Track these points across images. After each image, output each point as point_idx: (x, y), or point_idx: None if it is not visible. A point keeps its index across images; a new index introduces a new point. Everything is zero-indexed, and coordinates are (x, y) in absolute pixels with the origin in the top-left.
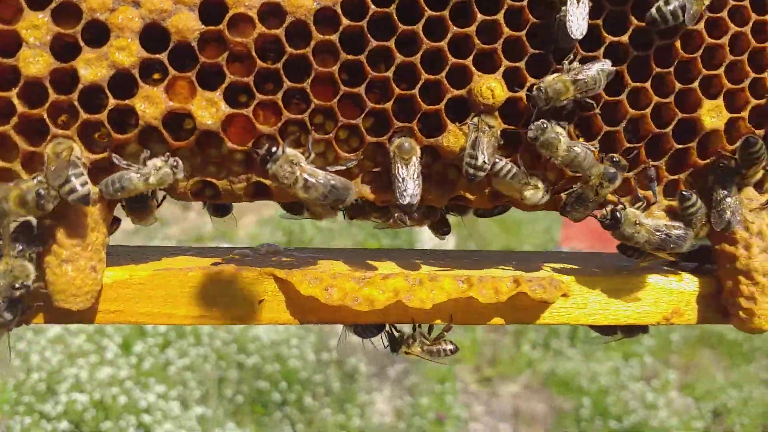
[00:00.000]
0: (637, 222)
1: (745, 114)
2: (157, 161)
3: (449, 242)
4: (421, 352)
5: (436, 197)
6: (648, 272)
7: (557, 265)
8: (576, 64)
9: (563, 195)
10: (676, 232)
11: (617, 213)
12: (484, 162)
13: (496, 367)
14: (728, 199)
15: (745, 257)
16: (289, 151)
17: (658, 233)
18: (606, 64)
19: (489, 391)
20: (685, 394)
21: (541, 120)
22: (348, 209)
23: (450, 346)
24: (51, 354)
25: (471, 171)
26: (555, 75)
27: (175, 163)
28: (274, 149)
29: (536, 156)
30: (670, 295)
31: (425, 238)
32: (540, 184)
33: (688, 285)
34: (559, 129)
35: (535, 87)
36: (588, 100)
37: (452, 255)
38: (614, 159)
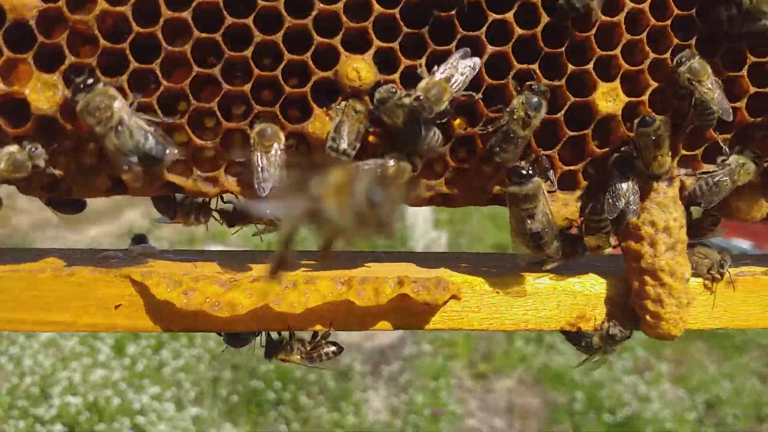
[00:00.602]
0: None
1: (645, 98)
2: (11, 147)
3: (442, 240)
4: (300, 359)
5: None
6: (549, 274)
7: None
8: (448, 64)
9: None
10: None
11: (541, 163)
12: (345, 148)
13: (490, 363)
14: (623, 186)
15: (651, 255)
16: (111, 88)
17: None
18: (471, 61)
19: (483, 386)
20: (678, 386)
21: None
22: (225, 215)
23: (332, 348)
24: (44, 357)
25: (333, 155)
26: (427, 80)
27: (33, 149)
28: (91, 80)
29: None
30: (574, 298)
31: (417, 236)
32: None
33: (593, 287)
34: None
35: (413, 98)
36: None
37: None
38: (533, 86)
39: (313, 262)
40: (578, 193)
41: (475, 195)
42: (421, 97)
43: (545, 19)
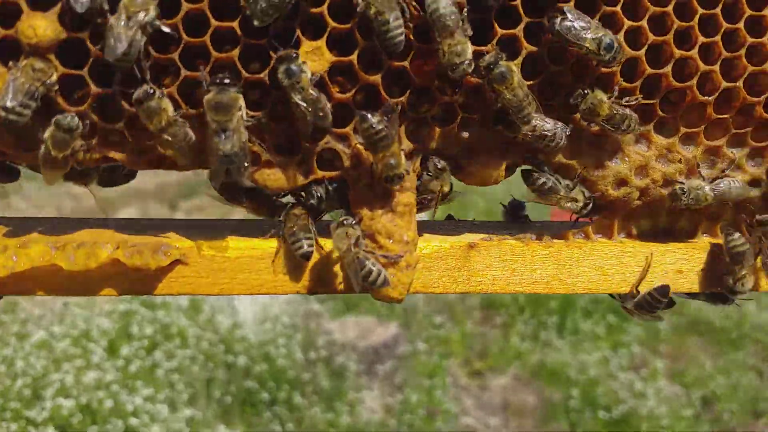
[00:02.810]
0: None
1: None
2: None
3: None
4: None
5: None
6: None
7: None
8: None
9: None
10: None
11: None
12: (8, 105)
13: (486, 360)
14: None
15: (369, 218)
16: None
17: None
18: None
19: (479, 384)
20: (674, 383)
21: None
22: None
23: None
24: (36, 359)
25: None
26: None
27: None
28: (228, 80)
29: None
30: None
31: None
32: None
33: (327, 253)
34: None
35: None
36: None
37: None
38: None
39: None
40: None
41: None
42: None
43: None
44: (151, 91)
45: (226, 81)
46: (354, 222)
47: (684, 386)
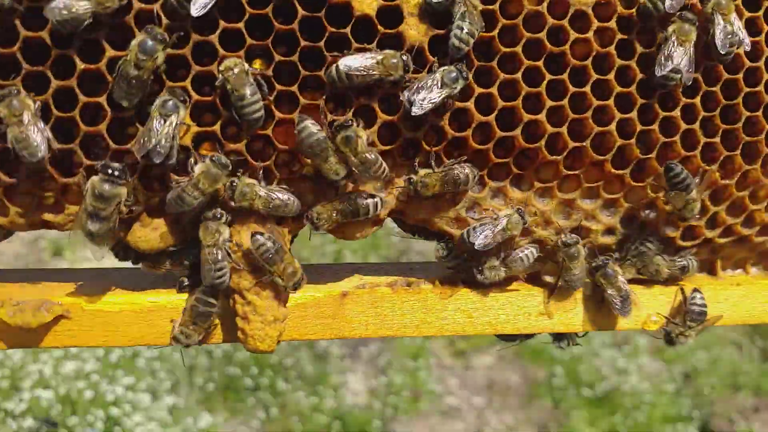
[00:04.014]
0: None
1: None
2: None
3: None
4: None
5: None
6: (163, 291)
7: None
8: None
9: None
10: None
11: None
12: None
13: (470, 340)
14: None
15: (237, 276)
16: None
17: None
18: None
19: (463, 364)
20: (656, 359)
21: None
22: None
23: None
24: (13, 350)
25: None
26: None
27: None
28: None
29: None
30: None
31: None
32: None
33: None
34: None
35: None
36: None
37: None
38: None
39: None
40: None
41: None
42: None
43: None
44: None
45: (116, 174)
46: (227, 219)
47: (665, 362)
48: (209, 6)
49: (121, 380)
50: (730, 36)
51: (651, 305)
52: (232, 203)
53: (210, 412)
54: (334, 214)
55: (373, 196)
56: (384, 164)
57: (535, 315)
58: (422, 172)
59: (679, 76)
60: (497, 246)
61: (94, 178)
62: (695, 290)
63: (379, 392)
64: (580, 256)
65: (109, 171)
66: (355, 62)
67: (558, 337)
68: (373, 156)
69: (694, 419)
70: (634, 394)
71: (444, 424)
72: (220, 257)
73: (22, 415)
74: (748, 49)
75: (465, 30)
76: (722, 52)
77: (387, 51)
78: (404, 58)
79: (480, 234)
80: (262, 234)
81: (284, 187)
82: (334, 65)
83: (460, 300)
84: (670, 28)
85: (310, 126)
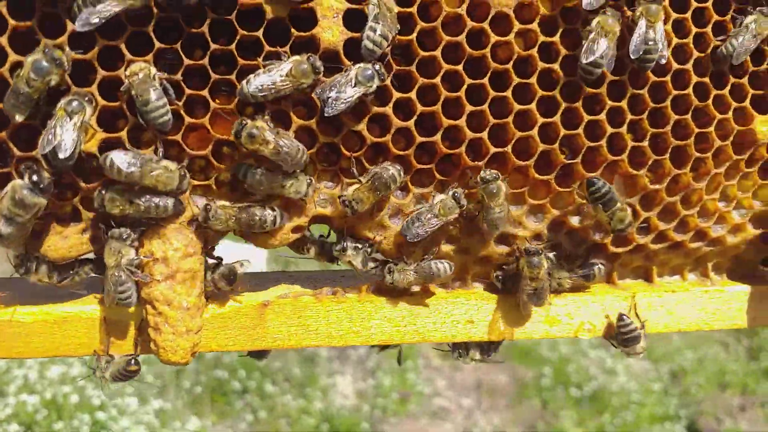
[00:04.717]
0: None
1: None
2: None
3: None
4: None
5: None
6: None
7: None
8: None
9: None
10: None
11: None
12: None
13: None
14: None
15: (147, 285)
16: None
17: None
18: None
19: (451, 365)
20: (643, 358)
21: None
22: None
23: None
24: None
25: None
26: None
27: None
28: None
29: None
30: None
31: None
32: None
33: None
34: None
35: None
36: None
37: None
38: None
39: None
40: None
41: None
42: None
43: None
44: None
45: (41, 185)
46: (132, 239)
47: (653, 361)
48: (95, 24)
49: (108, 384)
50: (649, 43)
51: (584, 313)
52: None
53: (198, 415)
54: (231, 221)
55: (273, 209)
56: (302, 148)
57: (464, 323)
58: (351, 188)
59: (601, 69)
60: (429, 240)
61: (17, 183)
62: (621, 315)
63: (367, 394)
64: (500, 192)
65: (35, 179)
66: (264, 80)
67: (455, 346)
68: (287, 141)
69: (682, 418)
70: (622, 393)
71: (433, 425)
72: (123, 278)
73: (7, 420)
74: (663, 62)
75: (378, 32)
76: (633, 56)
77: (295, 58)
78: (311, 60)
79: (412, 225)
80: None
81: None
82: (244, 84)
83: (387, 309)
84: (594, 21)
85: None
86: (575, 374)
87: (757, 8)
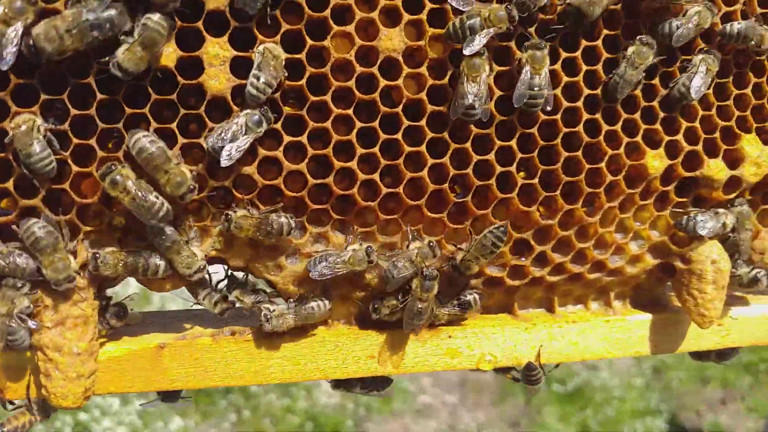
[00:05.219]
0: None
1: None
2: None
3: None
4: None
5: None
6: None
7: None
8: None
9: None
10: None
11: None
12: None
13: None
14: None
15: (37, 332)
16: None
17: None
18: None
19: None
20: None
21: None
22: None
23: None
24: None
25: None
26: None
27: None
28: None
29: None
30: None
31: None
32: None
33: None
34: None
35: None
36: None
37: None
38: None
39: None
40: None
41: None
42: None
43: None
44: None
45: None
46: (27, 288)
47: (635, 357)
48: None
49: None
50: (534, 89)
51: (485, 345)
52: None
53: (181, 415)
54: (120, 266)
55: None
56: (164, 204)
57: (365, 358)
58: (240, 213)
59: (477, 111)
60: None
61: None
62: (529, 364)
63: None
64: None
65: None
66: (146, 142)
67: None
68: (149, 197)
69: (663, 412)
70: (604, 389)
71: (417, 422)
72: (14, 327)
73: None
74: (549, 108)
75: (261, 80)
76: (516, 104)
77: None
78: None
79: (319, 263)
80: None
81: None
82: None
83: (286, 348)
84: (462, 65)
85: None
86: (558, 370)
87: (637, 37)
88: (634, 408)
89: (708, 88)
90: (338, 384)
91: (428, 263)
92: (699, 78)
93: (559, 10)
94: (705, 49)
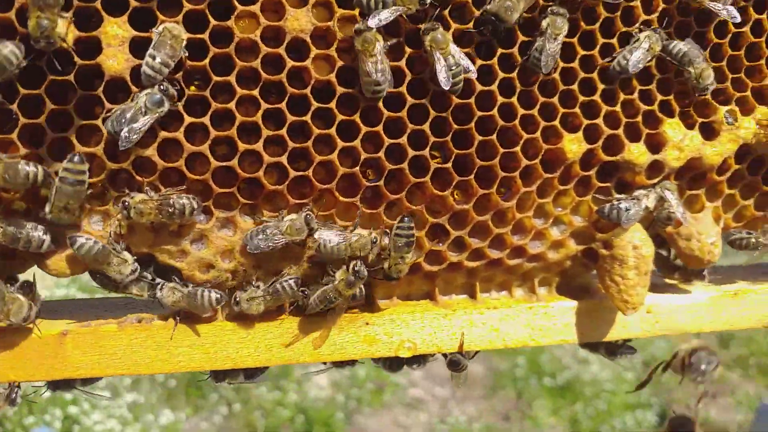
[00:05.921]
0: None
1: None
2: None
3: None
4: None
5: None
6: None
7: None
8: None
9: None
10: None
11: None
12: None
13: None
14: None
15: None
16: None
17: None
18: None
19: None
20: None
21: None
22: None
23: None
24: None
25: None
26: None
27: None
28: None
29: None
30: None
31: None
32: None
33: None
34: None
35: None
36: None
37: None
38: None
39: None
40: None
41: None
42: None
43: None
44: None
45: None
46: None
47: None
48: None
49: None
50: (453, 68)
51: (404, 332)
52: None
53: (172, 408)
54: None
55: (46, 232)
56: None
57: (278, 347)
58: (138, 197)
59: (384, 87)
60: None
61: None
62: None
63: (342, 385)
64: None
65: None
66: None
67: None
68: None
69: (653, 406)
70: (594, 382)
71: (408, 415)
72: None
73: None
74: (474, 76)
75: (157, 59)
76: (446, 88)
77: None
78: None
79: (255, 236)
80: None
81: None
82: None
83: (195, 336)
84: (356, 44)
85: (85, 240)
86: (549, 364)
87: (548, 9)
88: (624, 401)
89: (645, 65)
90: (217, 376)
91: (363, 254)
92: (640, 53)
93: None
94: (653, 27)
